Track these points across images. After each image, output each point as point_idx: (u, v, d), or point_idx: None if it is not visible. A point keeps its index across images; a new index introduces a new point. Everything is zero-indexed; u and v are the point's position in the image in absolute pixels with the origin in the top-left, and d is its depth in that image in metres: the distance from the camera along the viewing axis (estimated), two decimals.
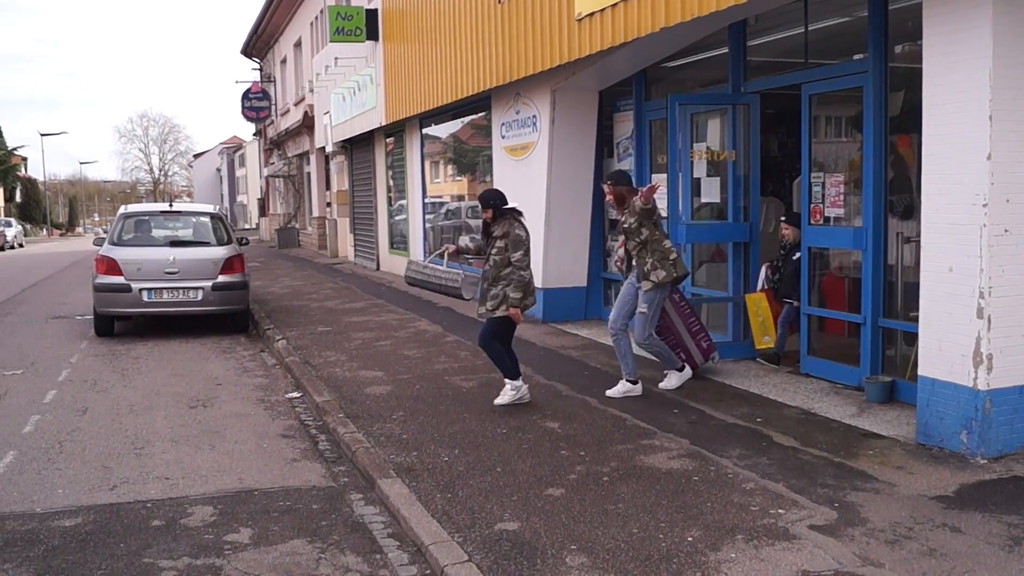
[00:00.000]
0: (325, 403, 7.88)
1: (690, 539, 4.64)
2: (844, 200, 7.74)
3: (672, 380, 7.95)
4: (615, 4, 8.65)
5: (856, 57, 7.55)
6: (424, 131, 17.46)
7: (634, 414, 7.16)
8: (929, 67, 5.88)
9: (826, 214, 7.88)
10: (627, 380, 7.74)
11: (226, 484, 6.00)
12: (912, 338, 6.46)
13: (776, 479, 5.52)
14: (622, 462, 5.96)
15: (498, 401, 7.56)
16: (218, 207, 14.92)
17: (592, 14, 9.11)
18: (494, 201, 7.44)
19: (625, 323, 7.75)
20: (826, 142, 8.62)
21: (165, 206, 13.62)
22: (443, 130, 17.01)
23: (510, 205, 7.48)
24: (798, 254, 8.32)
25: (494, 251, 7.36)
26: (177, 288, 12.15)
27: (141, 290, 11.98)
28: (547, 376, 8.56)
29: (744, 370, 8.59)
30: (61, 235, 72.70)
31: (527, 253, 7.34)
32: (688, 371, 7.99)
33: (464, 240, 7.88)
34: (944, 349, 5.92)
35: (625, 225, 7.64)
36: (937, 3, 5.75)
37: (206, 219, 13.42)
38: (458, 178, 16.99)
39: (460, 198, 16.82)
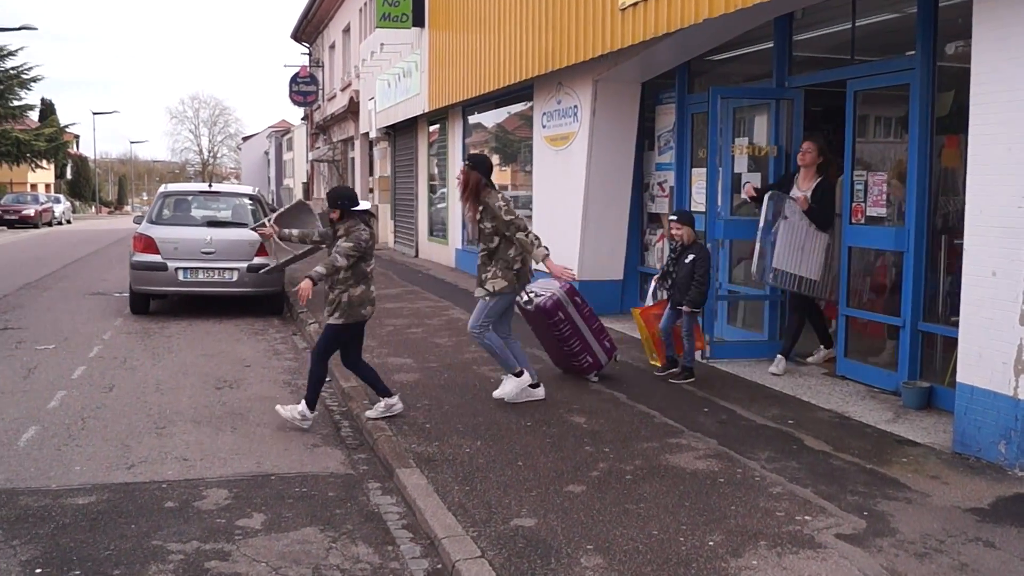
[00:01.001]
0: (351, 389, 7.82)
1: (711, 543, 4.50)
2: (887, 199, 7.51)
3: (507, 386, 7.26)
4: None
5: (907, 55, 7.32)
6: (467, 119, 17.36)
7: (663, 412, 7.01)
8: (978, 62, 5.65)
9: (868, 213, 7.66)
10: (513, 375, 7.27)
11: (244, 467, 5.95)
12: (953, 343, 6.23)
13: (804, 484, 5.35)
14: (647, 460, 5.82)
15: (369, 414, 6.93)
16: (258, 189, 14.93)
17: (636, 4, 8.93)
18: (341, 201, 6.81)
19: (506, 333, 7.39)
20: (872, 141, 8.37)
21: (204, 186, 13.66)
22: (486, 119, 16.91)
23: (362, 207, 6.89)
24: (691, 256, 7.81)
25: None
26: (212, 268, 12.18)
27: (177, 269, 12.03)
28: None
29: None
30: (109, 213, 73.65)
31: (355, 250, 6.61)
32: (527, 378, 7.29)
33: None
34: (984, 356, 5.70)
35: (481, 227, 7.08)
36: None
37: (244, 200, 13.46)
38: (502, 168, 16.88)
39: (502, 188, 16.70)
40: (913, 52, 7.05)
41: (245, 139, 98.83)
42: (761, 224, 8.13)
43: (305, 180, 49.99)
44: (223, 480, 5.70)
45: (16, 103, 52.73)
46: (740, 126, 9.38)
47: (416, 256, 21.08)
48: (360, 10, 26.94)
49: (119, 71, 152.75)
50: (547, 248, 7.02)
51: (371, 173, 27.53)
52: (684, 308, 7.81)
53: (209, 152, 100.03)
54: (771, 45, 8.85)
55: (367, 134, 25.37)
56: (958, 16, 6.64)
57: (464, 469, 5.69)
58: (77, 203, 63.19)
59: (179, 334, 10.96)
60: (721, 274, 9.48)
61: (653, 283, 8.45)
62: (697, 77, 10.43)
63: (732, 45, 9.64)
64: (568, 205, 11.56)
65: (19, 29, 37.60)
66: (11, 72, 51.90)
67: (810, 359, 8.59)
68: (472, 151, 17.44)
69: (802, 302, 8.29)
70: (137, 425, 6.90)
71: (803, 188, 8.19)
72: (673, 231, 8.07)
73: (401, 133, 22.54)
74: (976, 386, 5.76)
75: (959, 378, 5.91)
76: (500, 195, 7.12)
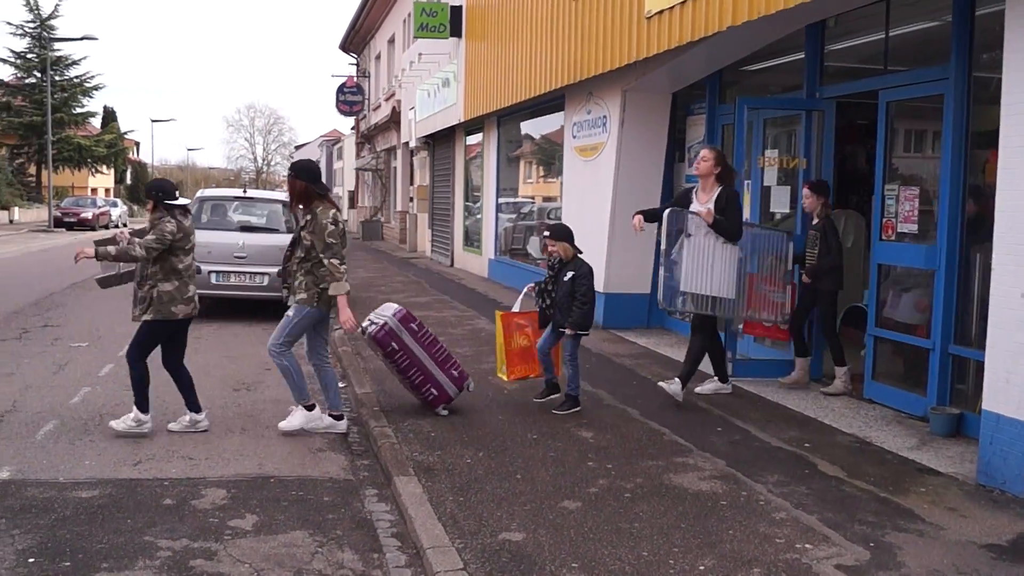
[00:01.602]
0: (364, 395, 7.74)
1: (701, 568, 4.30)
2: (918, 216, 7.24)
3: (294, 420, 6.77)
4: (683, 1, 8.32)
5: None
6: (501, 129, 17.28)
7: (674, 429, 6.80)
8: (1010, 71, 5.40)
9: (899, 230, 7.39)
10: (329, 414, 6.84)
11: (245, 469, 5.93)
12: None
13: (811, 511, 5.11)
14: (648, 479, 5.63)
15: (172, 426, 6.72)
16: None
17: (661, 12, 8.78)
18: (156, 193, 6.49)
19: (320, 351, 6.85)
20: (907, 157, 8.10)
21: (240, 191, 13.73)
22: (520, 128, 16.81)
23: (179, 202, 6.59)
24: (570, 273, 7.16)
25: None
26: (244, 272, 12.23)
27: (210, 272, 12.06)
28: (593, 383, 8.22)
29: (802, 391, 8.12)
30: None
31: (158, 243, 6.38)
32: (317, 413, 6.82)
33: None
34: (1012, 382, 5.41)
35: (302, 235, 6.58)
36: None
37: (278, 207, 13.48)
38: (532, 179, 16.78)
39: (534, 198, 16.60)
40: (947, 63, 6.79)
41: (298, 147, 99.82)
42: (662, 246, 7.61)
43: (351, 189, 50.45)
44: (223, 480, 5.68)
45: (79, 110, 54.03)
46: (772, 138, 9.16)
47: (451, 265, 21.03)
48: (404, 21, 27.02)
49: (177, 80, 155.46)
50: (350, 289, 6.60)
51: (411, 182, 27.59)
52: (567, 331, 7.18)
53: (263, 160, 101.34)
54: (803, 55, 8.62)
55: (408, 143, 25.43)
56: (996, 24, 6.39)
57: (462, 479, 5.55)
58: (135, 207, 64.28)
59: (208, 336, 10.99)
60: None
61: (526, 289, 7.64)
62: (728, 87, 10.23)
63: (764, 55, 9.43)
64: (596, 216, 11.39)
65: (81, 39, 38.43)
66: (74, 80, 53.20)
67: (701, 388, 7.93)
68: (505, 159, 17.38)
69: (704, 323, 7.66)
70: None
71: (703, 201, 7.51)
72: (550, 247, 7.41)
73: (439, 143, 22.55)
74: (1002, 414, 5.47)
75: (984, 405, 5.63)
76: (333, 213, 6.54)
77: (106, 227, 43.06)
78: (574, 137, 12.54)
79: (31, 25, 50.34)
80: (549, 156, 15.35)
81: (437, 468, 5.77)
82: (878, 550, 4.58)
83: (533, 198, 16.44)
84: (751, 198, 8.77)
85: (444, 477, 5.59)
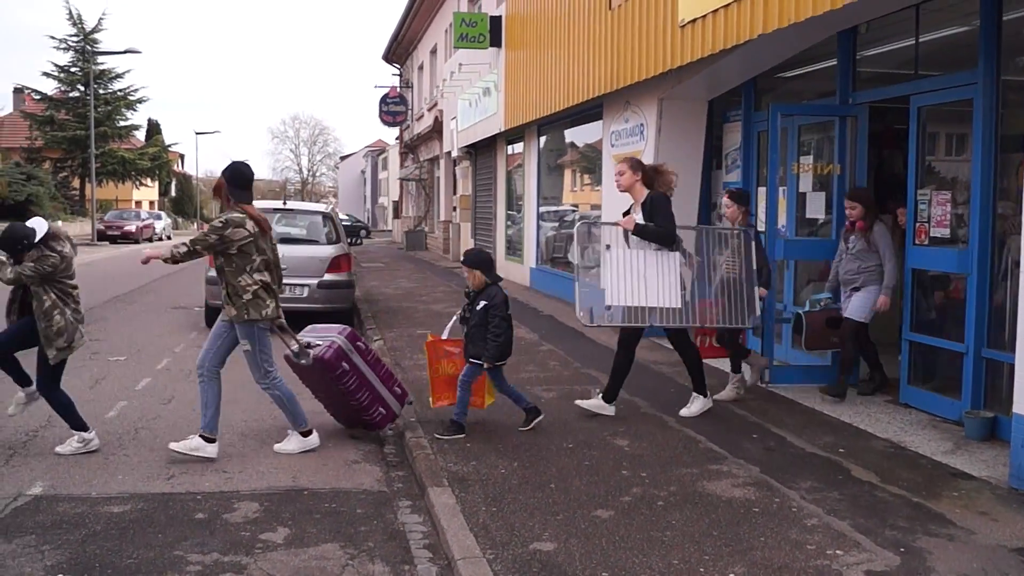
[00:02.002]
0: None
1: (731, 575, 4.34)
2: (950, 219, 7.21)
3: (291, 443, 6.66)
4: (716, 10, 8.36)
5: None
6: (541, 137, 17.37)
7: (709, 436, 6.83)
8: None
9: (932, 234, 7.35)
10: (200, 436, 6.46)
11: (279, 481, 6.00)
12: None
13: (842, 516, 5.13)
14: (682, 487, 5.67)
15: (61, 450, 6.55)
16: (331, 207, 15.20)
17: (695, 20, 8.82)
18: (19, 246, 6.31)
19: (215, 364, 6.59)
20: (940, 160, 8.05)
21: (279, 203, 13.94)
22: (562, 137, 16.88)
23: (39, 236, 6.33)
24: (483, 302, 6.86)
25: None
26: (284, 284, 12.37)
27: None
28: (631, 391, 8.22)
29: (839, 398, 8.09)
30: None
31: (37, 272, 6.25)
32: (315, 438, 6.70)
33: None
34: None
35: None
36: None
37: (318, 218, 13.67)
38: (576, 187, 16.83)
39: (577, 206, 16.65)
40: (975, 67, 6.76)
41: (343, 158, 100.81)
42: (576, 261, 7.40)
43: (396, 199, 50.83)
44: (256, 493, 5.76)
45: (123, 123, 54.91)
46: (807, 144, 9.14)
47: None
48: (446, 31, 27.26)
49: (222, 92, 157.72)
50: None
51: (454, 192, 27.78)
52: (484, 364, 6.90)
53: (309, 171, 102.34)
54: (835, 62, 8.61)
55: (450, 153, 25.61)
56: (1023, 29, 6.37)
57: (495, 490, 5.63)
58: (180, 219, 65.28)
59: None
60: (786, 296, 9.25)
61: (455, 318, 7.29)
62: (764, 94, 10.22)
63: (798, 62, 9.42)
64: None
65: (124, 52, 39.06)
66: (118, 93, 54.08)
67: (583, 402, 7.59)
68: (546, 167, 17.43)
69: (630, 338, 7.38)
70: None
71: (636, 211, 7.25)
72: (465, 274, 7.19)
73: (481, 152, 22.70)
74: None
75: (1015, 408, 5.61)
76: (241, 217, 6.34)
77: (150, 240, 43.75)
78: (613, 145, 12.60)
79: (74, 39, 51.24)
80: (591, 164, 15.40)
81: (471, 479, 5.85)
82: (908, 555, 4.59)
83: (576, 206, 16.49)
84: (787, 204, 8.78)
85: (478, 487, 5.67)
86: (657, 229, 7.08)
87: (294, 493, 5.77)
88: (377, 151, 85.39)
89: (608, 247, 7.23)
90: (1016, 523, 5.05)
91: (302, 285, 12.32)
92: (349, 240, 14.75)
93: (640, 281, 7.11)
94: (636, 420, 7.35)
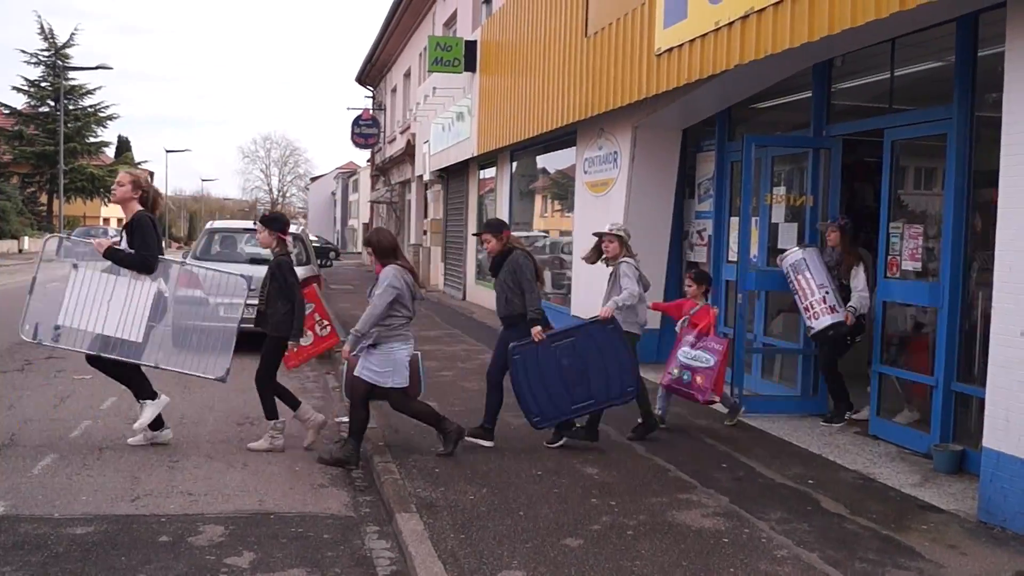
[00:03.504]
0: (369, 430, 7.71)
1: None
2: (922, 253, 7.26)
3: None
4: (693, 40, 8.41)
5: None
6: (514, 163, 17.39)
7: (679, 466, 6.80)
8: (1010, 111, 5.44)
9: (903, 267, 7.41)
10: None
11: (245, 505, 5.91)
12: None
13: (812, 548, 5.11)
14: (652, 516, 5.63)
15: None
16: (301, 228, 15.10)
17: (671, 49, 8.87)
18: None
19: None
20: (912, 194, 8.13)
21: (249, 223, 13.83)
22: (534, 163, 16.91)
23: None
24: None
25: None
26: (254, 305, 12.24)
27: (218, 305, 12.12)
28: (601, 420, 8.22)
29: (809, 427, 8.11)
30: (178, 247, 75.26)
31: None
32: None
33: None
34: (1012, 420, 5.42)
35: None
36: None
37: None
38: (546, 213, 16.86)
39: (548, 232, 16.68)
40: (951, 102, 6.84)
41: (313, 179, 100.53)
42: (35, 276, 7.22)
43: (367, 221, 50.71)
44: (222, 516, 5.66)
45: (92, 140, 54.53)
46: (776, 173, 9.21)
47: (464, 299, 21.08)
48: (420, 55, 27.30)
49: (193, 110, 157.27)
50: None
51: (425, 215, 27.74)
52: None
53: (279, 191, 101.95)
54: (810, 94, 8.69)
55: (422, 176, 25.60)
56: (998, 65, 6.43)
57: (464, 516, 5.56)
58: None
59: None
60: (756, 326, 9.27)
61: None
62: (738, 125, 10.30)
63: (773, 93, 9.50)
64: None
65: (95, 68, 38.92)
66: (88, 110, 53.76)
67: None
68: (518, 193, 17.44)
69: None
70: (151, 457, 6.91)
71: None
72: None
73: (453, 176, 22.69)
74: (1003, 452, 5.48)
75: (984, 443, 5.63)
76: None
77: None
78: (585, 172, 12.62)
79: (46, 54, 50.98)
80: (563, 190, 15.43)
81: (440, 504, 5.78)
82: None
83: (547, 232, 16.49)
84: (759, 235, 8.81)
85: (446, 514, 5.60)
86: (132, 255, 6.90)
87: (260, 517, 5.68)
88: (348, 173, 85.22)
89: (76, 265, 6.99)
90: (985, 557, 5.06)
91: None
92: (319, 262, 14.65)
93: (100, 306, 6.86)
94: (606, 448, 7.31)
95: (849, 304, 7.92)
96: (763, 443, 7.57)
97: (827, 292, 7.90)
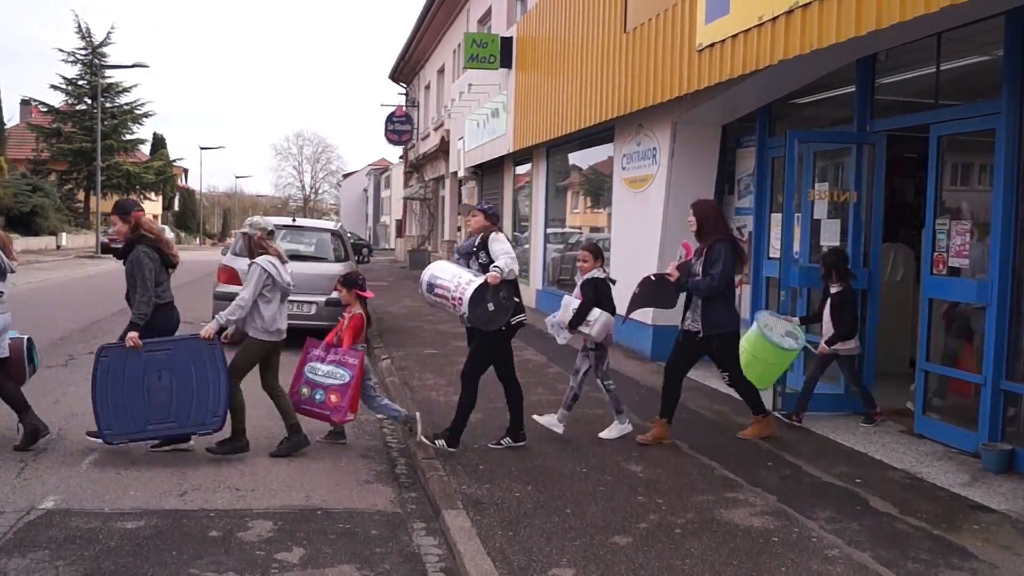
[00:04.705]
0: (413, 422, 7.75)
1: None
2: (970, 250, 7.18)
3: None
4: (735, 35, 8.35)
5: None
6: (550, 159, 17.37)
7: (723, 463, 6.77)
8: None
9: (950, 264, 7.32)
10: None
11: (292, 500, 5.95)
12: None
13: (863, 548, 5.07)
14: (699, 514, 5.61)
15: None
16: (341, 225, 15.18)
17: (712, 45, 8.82)
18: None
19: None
20: (957, 190, 8.03)
21: (289, 220, 13.92)
22: (569, 160, 16.88)
23: None
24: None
25: None
26: (292, 301, 12.32)
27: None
28: (642, 416, 8.20)
29: (852, 425, 8.05)
30: (213, 244, 75.91)
31: None
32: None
33: None
34: None
35: None
36: None
37: (326, 236, 13.65)
38: (579, 209, 16.82)
39: (582, 228, 16.64)
40: (999, 96, 6.75)
41: (346, 176, 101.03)
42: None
43: (399, 217, 50.91)
44: (270, 512, 5.70)
45: (128, 137, 55.14)
46: (818, 169, 9.13)
47: None
48: (454, 51, 27.36)
49: (227, 108, 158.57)
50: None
51: (459, 212, 27.79)
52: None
53: (311, 188, 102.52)
54: (853, 89, 8.60)
55: (456, 173, 25.64)
56: None
57: (511, 514, 5.57)
58: (183, 234, 65.30)
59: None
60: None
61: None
62: (779, 121, 10.22)
63: (815, 88, 9.42)
64: (645, 248, 11.40)
65: (132, 67, 39.21)
66: (125, 107, 54.36)
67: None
68: (554, 189, 17.42)
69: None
70: (196, 452, 6.96)
71: None
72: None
73: (488, 173, 22.70)
74: None
75: None
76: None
77: None
78: (623, 168, 12.59)
79: (83, 52, 51.58)
80: (597, 187, 15.40)
81: (486, 502, 5.79)
82: None
83: (581, 228, 16.47)
84: (801, 231, 8.74)
85: (493, 511, 5.61)
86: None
87: (308, 512, 5.71)
88: (380, 169, 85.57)
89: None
90: None
91: (309, 302, 12.30)
92: (355, 258, 14.72)
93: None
94: (649, 446, 7.29)
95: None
96: (807, 441, 7.52)
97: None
